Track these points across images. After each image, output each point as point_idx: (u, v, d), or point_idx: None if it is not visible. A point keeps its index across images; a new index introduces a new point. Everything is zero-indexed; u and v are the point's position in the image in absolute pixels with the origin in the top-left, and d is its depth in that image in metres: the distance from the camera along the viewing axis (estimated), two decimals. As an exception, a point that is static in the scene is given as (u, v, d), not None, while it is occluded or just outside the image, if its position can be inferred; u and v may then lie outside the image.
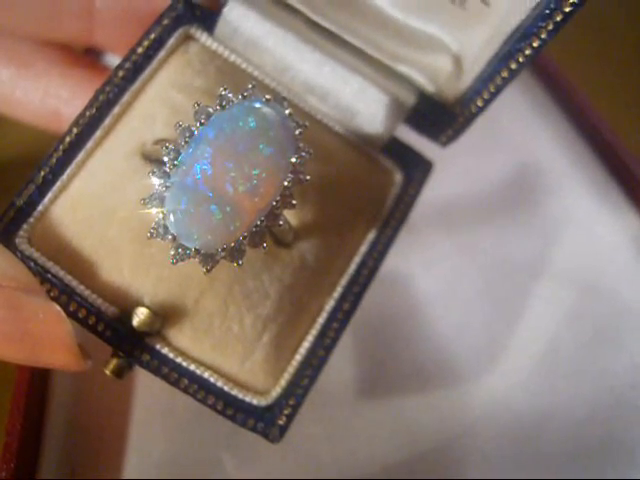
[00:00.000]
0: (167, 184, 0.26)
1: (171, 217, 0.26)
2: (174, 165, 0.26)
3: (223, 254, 0.26)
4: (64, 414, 0.37)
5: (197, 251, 0.26)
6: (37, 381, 0.36)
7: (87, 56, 0.38)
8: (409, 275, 0.44)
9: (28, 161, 0.33)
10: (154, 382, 0.36)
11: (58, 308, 0.27)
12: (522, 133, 0.50)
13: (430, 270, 0.44)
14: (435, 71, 0.34)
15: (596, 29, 0.59)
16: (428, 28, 0.34)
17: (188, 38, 0.33)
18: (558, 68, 0.52)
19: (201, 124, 0.27)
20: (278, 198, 0.26)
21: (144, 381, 0.39)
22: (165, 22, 0.33)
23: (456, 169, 0.46)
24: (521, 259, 0.45)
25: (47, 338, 0.26)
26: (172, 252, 0.26)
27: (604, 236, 0.45)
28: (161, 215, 0.26)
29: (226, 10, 0.33)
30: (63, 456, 0.36)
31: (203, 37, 0.33)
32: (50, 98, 0.36)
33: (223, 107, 0.27)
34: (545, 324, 0.42)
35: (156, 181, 0.26)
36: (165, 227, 0.26)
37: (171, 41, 0.33)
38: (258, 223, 0.26)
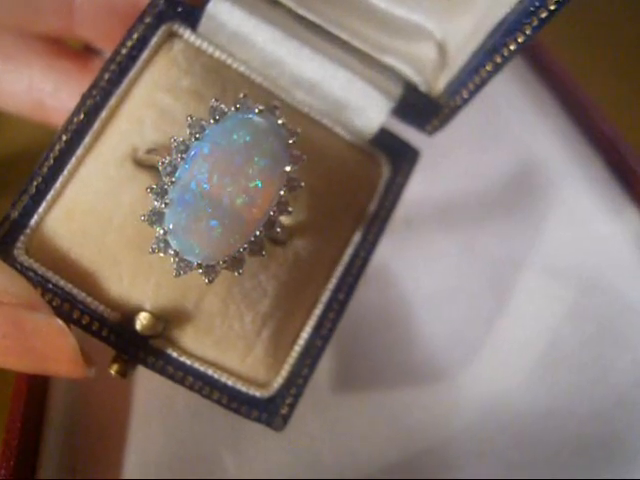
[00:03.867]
0: (166, 201, 0.26)
1: (172, 233, 0.26)
2: (171, 182, 0.26)
3: (224, 265, 0.27)
4: (64, 412, 0.38)
5: (199, 265, 0.27)
6: (37, 379, 0.36)
7: (72, 48, 0.37)
8: (408, 273, 0.44)
9: (25, 158, 0.33)
10: (153, 381, 0.36)
11: (61, 323, 0.27)
12: (522, 129, 0.50)
13: (430, 267, 0.45)
14: (421, 61, 0.34)
15: (596, 23, 0.58)
16: (412, 16, 0.34)
17: (172, 35, 0.33)
18: (557, 63, 0.51)
19: (196, 139, 0.27)
20: (274, 207, 0.27)
21: (144, 380, 0.39)
22: (147, 20, 0.32)
23: (455, 166, 0.46)
24: (521, 256, 0.45)
25: (51, 352, 0.27)
26: (174, 266, 0.27)
27: (605, 233, 0.45)
28: (162, 231, 0.27)
29: (210, 5, 0.32)
30: (63, 454, 0.37)
31: (187, 34, 0.33)
32: (34, 90, 0.36)
33: (216, 120, 0.27)
34: (546, 321, 0.43)
35: (154, 198, 0.27)
36: (166, 242, 0.27)
37: (155, 39, 0.32)
38: (257, 233, 0.27)
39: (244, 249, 0.27)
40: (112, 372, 0.31)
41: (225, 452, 0.38)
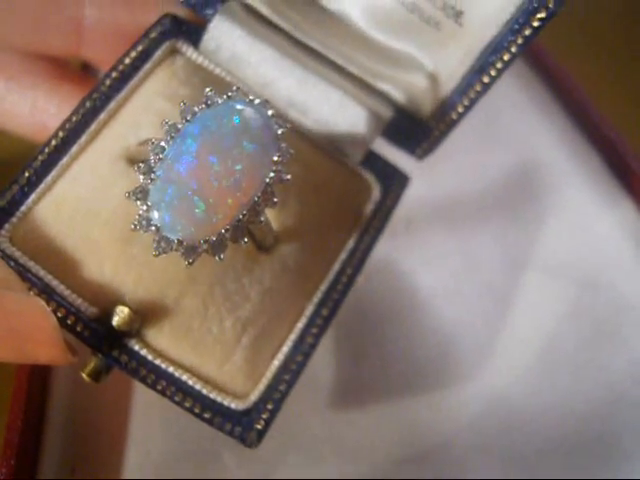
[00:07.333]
0: (151, 177, 0.27)
1: (155, 209, 0.26)
2: (159, 159, 0.27)
3: (205, 247, 0.27)
4: (65, 412, 0.37)
5: (180, 242, 0.26)
6: (37, 378, 0.36)
7: (77, 71, 0.39)
8: (410, 273, 0.44)
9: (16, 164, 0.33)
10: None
11: (42, 303, 0.27)
12: (522, 130, 0.51)
13: (431, 267, 0.45)
14: (412, 88, 0.35)
15: (596, 24, 0.59)
16: (406, 48, 0.35)
17: (174, 51, 0.35)
18: (558, 64, 0.52)
19: (187, 121, 0.27)
20: (259, 194, 0.27)
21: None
22: (152, 35, 0.34)
23: (456, 166, 0.47)
24: (520, 255, 0.45)
25: (32, 333, 0.26)
26: (155, 244, 0.27)
27: (604, 232, 0.46)
28: (145, 207, 0.27)
29: (211, 26, 0.34)
30: (64, 454, 0.36)
31: (189, 51, 0.35)
32: (38, 112, 0.37)
33: (208, 106, 0.28)
34: (545, 320, 0.43)
35: (142, 177, 0.27)
36: (148, 219, 0.27)
37: (157, 53, 0.34)
38: (240, 217, 0.27)
39: (226, 231, 0.27)
40: (84, 375, 0.30)
41: (225, 451, 0.37)
